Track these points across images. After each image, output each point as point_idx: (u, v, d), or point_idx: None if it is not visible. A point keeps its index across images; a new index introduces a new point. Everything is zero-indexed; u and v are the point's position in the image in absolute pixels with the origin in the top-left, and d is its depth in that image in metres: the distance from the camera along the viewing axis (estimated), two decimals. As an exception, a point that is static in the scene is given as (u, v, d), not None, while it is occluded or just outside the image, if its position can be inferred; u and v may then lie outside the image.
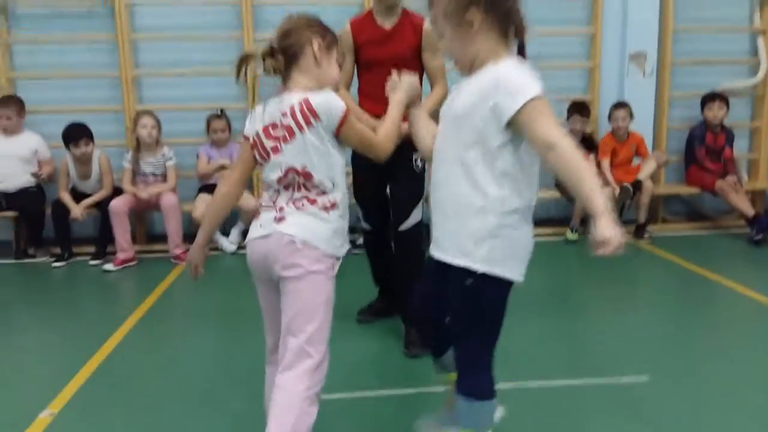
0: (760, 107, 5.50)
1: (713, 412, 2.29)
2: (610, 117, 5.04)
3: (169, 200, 4.53)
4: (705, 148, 5.13)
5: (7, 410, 2.44)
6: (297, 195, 1.75)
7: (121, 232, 4.42)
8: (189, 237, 4.75)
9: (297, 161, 1.72)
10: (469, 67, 1.58)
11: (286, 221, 1.73)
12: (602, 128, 5.25)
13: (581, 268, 4.45)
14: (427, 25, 2.81)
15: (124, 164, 4.67)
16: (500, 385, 1.69)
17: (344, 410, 2.35)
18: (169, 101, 5.01)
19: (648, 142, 5.19)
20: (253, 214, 1.88)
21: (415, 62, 2.83)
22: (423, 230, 2.95)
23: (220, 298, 3.78)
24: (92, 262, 4.48)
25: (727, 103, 5.10)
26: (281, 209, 1.75)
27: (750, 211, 4.79)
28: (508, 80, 1.46)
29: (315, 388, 1.71)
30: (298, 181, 1.74)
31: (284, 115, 1.70)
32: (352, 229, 3.57)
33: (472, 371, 1.64)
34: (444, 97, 2.55)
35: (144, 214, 5.01)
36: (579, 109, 5.01)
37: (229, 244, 4.76)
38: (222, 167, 4.82)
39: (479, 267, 1.52)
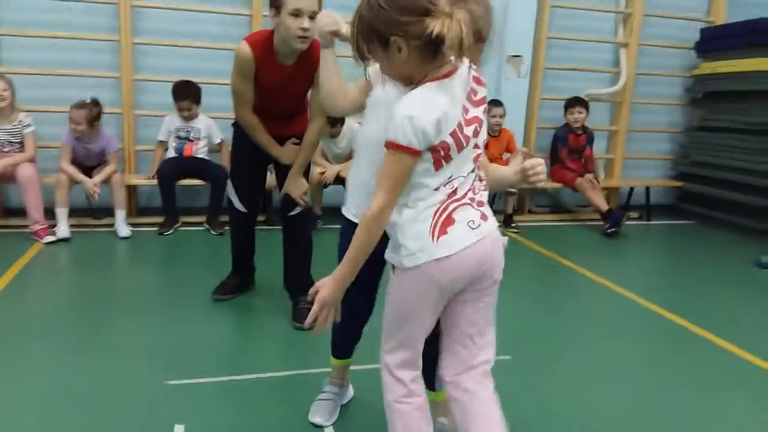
0: (618, 113, 6.03)
1: (570, 392, 2.51)
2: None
3: (26, 172, 4.17)
4: (567, 149, 5.55)
5: None
6: (477, 181, 1.50)
7: (-30, 204, 4.02)
8: (51, 212, 4.41)
9: (481, 137, 1.49)
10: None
11: (489, 218, 1.50)
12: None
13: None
14: None
15: (-26, 131, 4.24)
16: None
17: (226, 393, 2.32)
18: (32, 65, 4.61)
19: (519, 140, 5.51)
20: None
21: (306, 93, 2.86)
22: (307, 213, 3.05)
23: (81, 279, 3.56)
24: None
25: (587, 108, 5.54)
26: (479, 203, 1.48)
27: (604, 206, 5.24)
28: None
29: None
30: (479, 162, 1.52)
31: (471, 91, 1.46)
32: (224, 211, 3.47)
33: None
34: (322, 129, 2.89)
35: (-2, 186, 4.58)
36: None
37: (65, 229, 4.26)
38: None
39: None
